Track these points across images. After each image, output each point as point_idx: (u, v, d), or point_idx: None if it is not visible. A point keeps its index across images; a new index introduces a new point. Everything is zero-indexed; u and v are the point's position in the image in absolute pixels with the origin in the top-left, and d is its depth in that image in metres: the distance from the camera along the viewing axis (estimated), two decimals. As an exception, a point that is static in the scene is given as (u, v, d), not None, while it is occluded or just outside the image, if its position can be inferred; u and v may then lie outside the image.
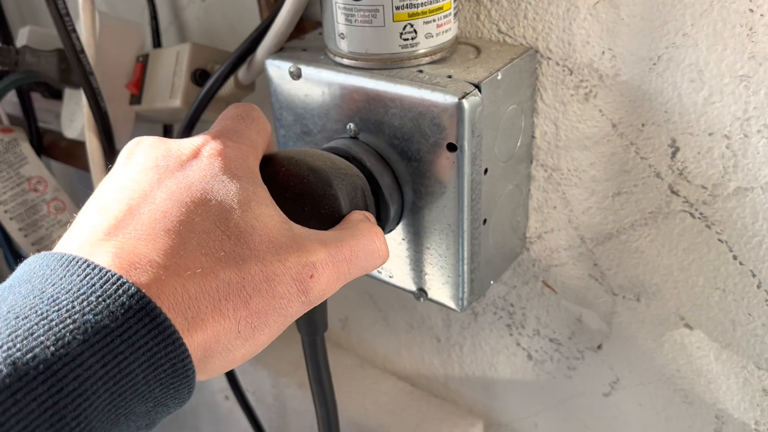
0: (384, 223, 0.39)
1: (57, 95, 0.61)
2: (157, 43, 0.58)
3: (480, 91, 0.35)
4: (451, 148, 0.35)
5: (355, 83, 0.37)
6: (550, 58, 0.39)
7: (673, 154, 0.37)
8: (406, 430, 0.53)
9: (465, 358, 0.56)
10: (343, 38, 0.37)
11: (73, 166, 0.62)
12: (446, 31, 0.37)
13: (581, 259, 0.44)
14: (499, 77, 0.36)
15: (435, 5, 0.35)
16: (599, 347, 0.47)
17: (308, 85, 0.40)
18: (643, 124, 0.38)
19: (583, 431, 0.52)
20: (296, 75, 0.40)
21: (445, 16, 0.36)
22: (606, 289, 0.44)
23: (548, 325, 0.49)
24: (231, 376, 0.62)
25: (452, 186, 0.36)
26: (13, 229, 0.58)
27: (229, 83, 0.45)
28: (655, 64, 0.36)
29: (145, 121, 0.57)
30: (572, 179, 0.42)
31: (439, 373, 0.59)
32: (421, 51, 0.37)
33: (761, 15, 0.32)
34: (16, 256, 0.69)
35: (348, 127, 0.39)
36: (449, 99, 0.34)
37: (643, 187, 0.39)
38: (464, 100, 0.34)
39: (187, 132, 0.47)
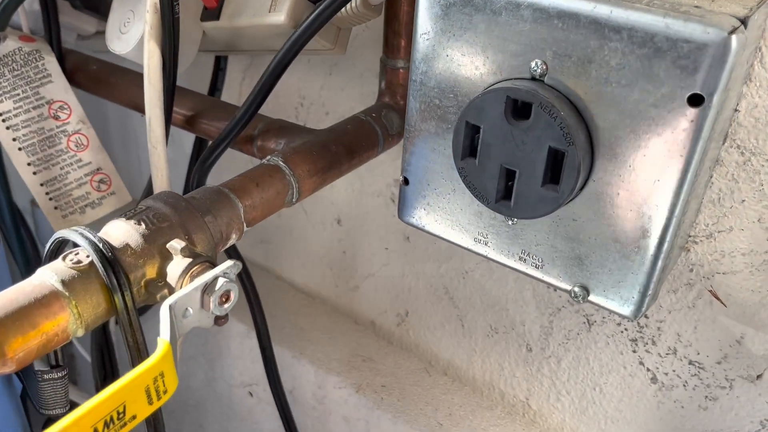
0: (564, 195, 0.30)
1: (90, 5, 0.50)
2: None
3: (745, 27, 0.26)
4: (694, 101, 0.26)
5: (560, 5, 0.28)
6: (788, 10, 0.31)
7: None
8: (495, 454, 0.44)
9: (561, 373, 0.48)
10: (555, -58, 0.28)
11: (103, 98, 0.51)
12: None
13: (764, 267, 0.36)
14: (755, 17, 0.28)
15: None
16: (759, 377, 0.39)
17: (481, 6, 0.30)
18: None
19: (702, 472, 0.44)
20: (468, -10, 0.30)
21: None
22: (789, 308, 0.36)
23: (691, 344, 0.41)
24: (270, 368, 0.51)
25: (680, 152, 0.28)
26: (20, 162, 0.46)
27: (357, 1, 0.35)
28: None
29: (201, 50, 0.47)
30: (778, 168, 0.34)
31: (520, 387, 0.51)
32: (648, -26, 0.28)
33: None
34: (12, 209, 0.57)
35: (534, 64, 0.30)
36: (713, 33, 0.25)
37: None
38: (733, 36, 0.25)
39: (280, 70, 0.36)
